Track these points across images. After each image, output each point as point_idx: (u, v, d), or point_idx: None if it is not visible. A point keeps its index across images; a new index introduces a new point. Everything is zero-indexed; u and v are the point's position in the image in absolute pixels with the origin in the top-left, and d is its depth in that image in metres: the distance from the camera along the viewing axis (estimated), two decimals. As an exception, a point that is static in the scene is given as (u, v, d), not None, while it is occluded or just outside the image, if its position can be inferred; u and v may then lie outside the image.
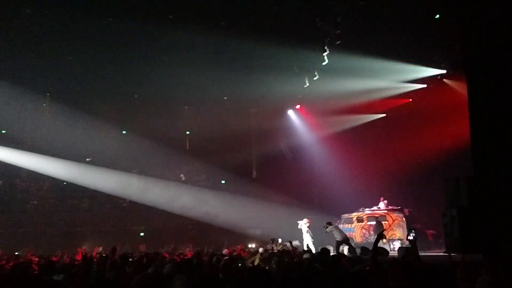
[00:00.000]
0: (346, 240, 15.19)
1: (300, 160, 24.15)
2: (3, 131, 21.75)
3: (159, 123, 24.16)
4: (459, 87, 17.02)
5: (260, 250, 13.60)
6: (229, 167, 24.52)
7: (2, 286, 5.58)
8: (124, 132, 24.49)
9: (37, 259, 12.72)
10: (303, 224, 17.43)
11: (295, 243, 18.38)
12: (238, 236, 21.68)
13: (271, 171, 25.22)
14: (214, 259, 8.37)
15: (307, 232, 17.15)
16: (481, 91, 8.71)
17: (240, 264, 8.16)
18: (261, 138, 25.82)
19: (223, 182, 25.77)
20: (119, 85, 21.31)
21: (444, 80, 18.45)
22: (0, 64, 18.10)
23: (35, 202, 22.77)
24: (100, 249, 19.67)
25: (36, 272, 6.66)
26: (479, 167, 8.76)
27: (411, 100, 20.72)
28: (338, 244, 15.06)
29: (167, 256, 12.62)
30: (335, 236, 15.32)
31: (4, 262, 11.34)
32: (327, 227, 15.63)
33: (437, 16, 14.71)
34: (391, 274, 4.86)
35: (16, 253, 15.22)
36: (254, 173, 26.80)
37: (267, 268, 6.99)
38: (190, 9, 15.46)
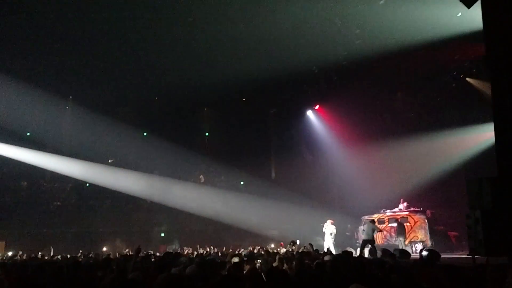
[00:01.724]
0: (371, 241, 15.01)
1: (319, 161, 24.00)
2: (28, 134, 22.24)
3: (179, 125, 24.39)
4: (482, 86, 16.70)
5: (283, 251, 13.56)
6: (248, 169, 24.55)
7: (26, 285, 5.67)
8: (145, 134, 24.79)
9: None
10: (327, 226, 17.31)
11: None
12: (256, 237, 21.68)
13: (290, 172, 25.15)
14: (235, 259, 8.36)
15: (330, 234, 16.99)
16: (505, 90, 8.50)
17: (258, 265, 8.16)
18: (280, 139, 25.79)
19: (242, 183, 25.81)
20: (140, 88, 21.61)
21: (467, 79, 18.12)
22: (24, 67, 18.55)
23: (58, 203, 23.21)
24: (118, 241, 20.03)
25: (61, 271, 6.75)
26: (504, 167, 8.54)
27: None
28: (364, 243, 14.89)
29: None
30: (362, 234, 15.19)
31: (26, 260, 11.57)
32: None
33: (459, 14, 14.45)
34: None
35: (40, 253, 15.53)
36: (273, 174, 26.78)
37: (285, 268, 6.96)
38: (209, 11, 15.55)
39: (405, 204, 18.44)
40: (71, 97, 23.10)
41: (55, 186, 23.53)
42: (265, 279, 4.83)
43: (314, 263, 7.26)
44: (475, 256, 10.35)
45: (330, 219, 17.50)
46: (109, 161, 24.09)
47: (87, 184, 23.35)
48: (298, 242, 16.53)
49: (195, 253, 15.32)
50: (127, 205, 23.52)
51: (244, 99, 23.54)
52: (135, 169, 23.28)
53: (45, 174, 23.27)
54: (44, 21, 15.80)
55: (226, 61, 18.47)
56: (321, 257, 9.63)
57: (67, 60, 18.55)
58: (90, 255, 14.03)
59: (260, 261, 8.68)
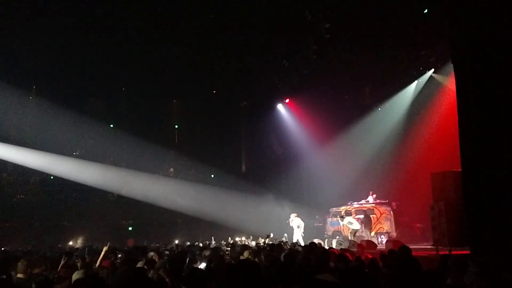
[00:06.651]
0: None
1: (289, 154, 24.17)
2: (-12, 124, 21.36)
3: (148, 117, 24.02)
4: (447, 82, 17.17)
5: (252, 244, 13.64)
6: (218, 162, 24.48)
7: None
8: (111, 126, 24.24)
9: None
10: (293, 220, 17.65)
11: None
12: (226, 230, 21.68)
13: (260, 166, 25.24)
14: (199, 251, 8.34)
15: (298, 226, 17.30)
16: (469, 86, 8.77)
17: (228, 256, 8.18)
18: (250, 132, 25.81)
19: (212, 176, 25.72)
20: (107, 78, 21.12)
21: (432, 74, 18.57)
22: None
23: (22, 196, 22.47)
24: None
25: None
26: (467, 161, 8.83)
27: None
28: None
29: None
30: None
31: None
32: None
33: (426, 10, 14.78)
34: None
35: (3, 248, 15.02)
36: (244, 168, 26.80)
37: (256, 260, 6.98)
38: (179, 2, 15.35)
39: (374, 196, 18.86)
40: (34, 87, 22.32)
41: (19, 179, 22.73)
42: (235, 271, 4.83)
43: (283, 255, 7.32)
44: (439, 247, 10.75)
45: (294, 213, 17.97)
46: (74, 153, 23.46)
47: (52, 177, 22.67)
48: (271, 235, 16.79)
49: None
50: (94, 199, 23.00)
51: (214, 92, 23.41)
52: (101, 162, 22.78)
53: (7, 167, 22.44)
54: (9, 9, 15.22)
55: (196, 52, 18.30)
56: (289, 248, 9.74)
57: (32, 48, 17.90)
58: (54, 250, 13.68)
59: (229, 253, 8.70)
